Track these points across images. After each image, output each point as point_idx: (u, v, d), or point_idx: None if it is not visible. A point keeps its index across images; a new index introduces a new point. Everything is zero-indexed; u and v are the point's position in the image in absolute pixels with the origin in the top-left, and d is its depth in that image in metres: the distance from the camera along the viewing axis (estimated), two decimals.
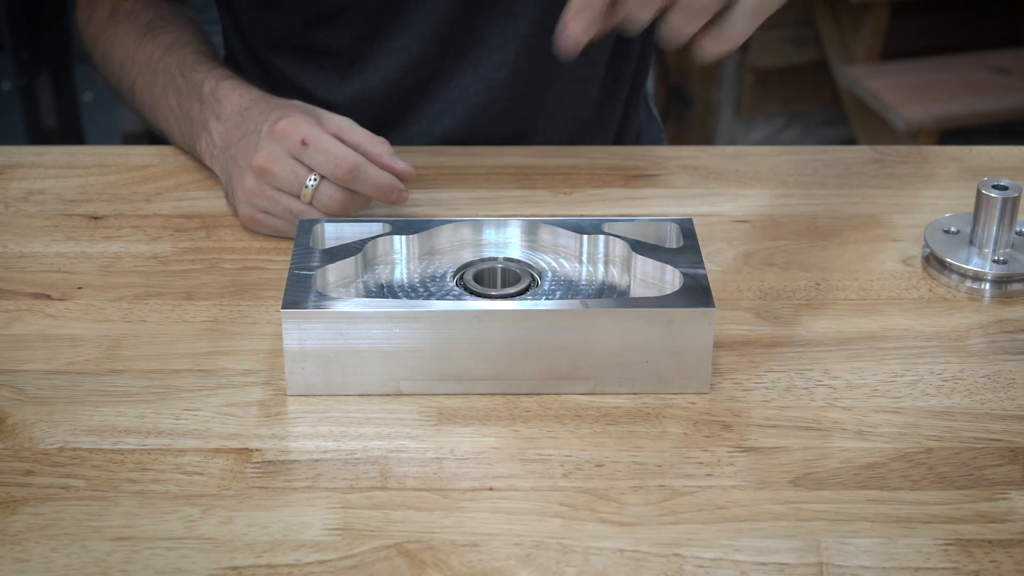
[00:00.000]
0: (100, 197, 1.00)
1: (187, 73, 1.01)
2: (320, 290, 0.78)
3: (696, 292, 0.77)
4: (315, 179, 0.89)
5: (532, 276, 0.83)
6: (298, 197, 0.90)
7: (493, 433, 0.74)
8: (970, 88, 2.66)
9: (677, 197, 1.01)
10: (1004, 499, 0.69)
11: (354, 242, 0.83)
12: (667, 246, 0.83)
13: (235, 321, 0.84)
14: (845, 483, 0.70)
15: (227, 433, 0.74)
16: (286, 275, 0.78)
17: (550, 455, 0.72)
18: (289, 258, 0.81)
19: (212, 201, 0.99)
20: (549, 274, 0.84)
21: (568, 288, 0.83)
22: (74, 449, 0.72)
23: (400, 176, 0.91)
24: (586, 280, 0.84)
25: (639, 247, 0.82)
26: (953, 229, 0.91)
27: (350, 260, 0.81)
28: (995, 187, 0.88)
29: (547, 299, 0.81)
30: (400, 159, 0.91)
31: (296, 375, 0.76)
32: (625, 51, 1.15)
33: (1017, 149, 1.08)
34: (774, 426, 0.75)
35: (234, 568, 0.64)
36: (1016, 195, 0.87)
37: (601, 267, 0.84)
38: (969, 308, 0.86)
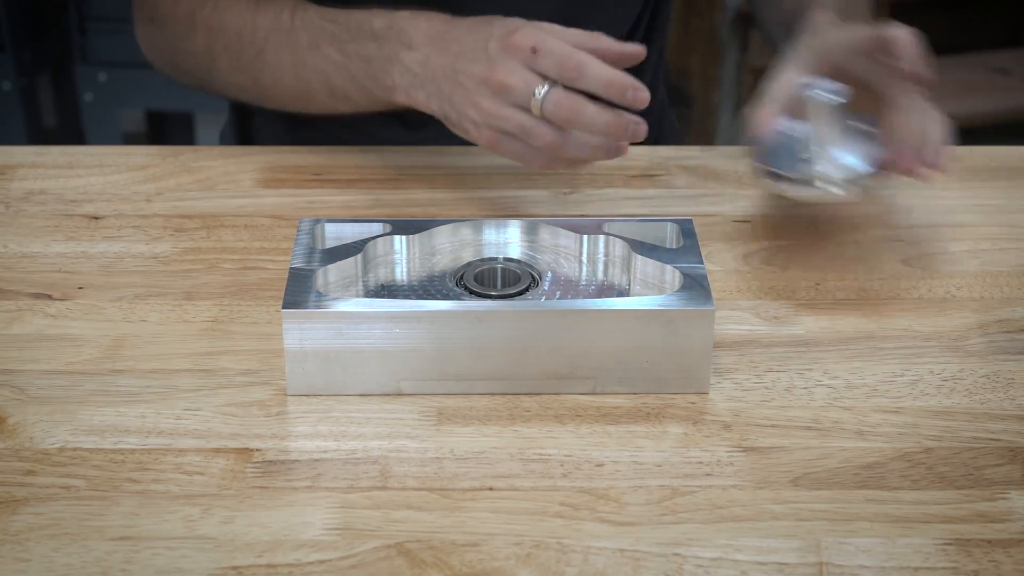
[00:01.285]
0: (100, 197, 1.00)
1: (340, 20, 0.96)
2: (320, 290, 0.78)
3: (696, 292, 0.77)
4: (544, 87, 0.85)
5: (532, 276, 0.83)
6: (530, 111, 0.86)
7: (493, 433, 0.74)
8: (970, 88, 2.66)
9: (677, 197, 1.01)
10: (1003, 499, 0.69)
11: (354, 242, 0.83)
12: (667, 246, 0.83)
13: (235, 321, 0.84)
14: (845, 483, 0.70)
15: (227, 433, 0.74)
16: (286, 275, 0.79)
17: (550, 455, 0.72)
18: (289, 258, 0.81)
19: (212, 201, 0.99)
20: (549, 274, 0.84)
21: (568, 288, 0.83)
22: (75, 449, 0.73)
23: (630, 57, 0.86)
24: (586, 280, 0.84)
25: (639, 247, 0.82)
26: (785, 133, 0.89)
27: (350, 260, 0.81)
28: (818, 91, 0.87)
29: (547, 299, 0.81)
30: (625, 43, 0.87)
31: (296, 375, 0.76)
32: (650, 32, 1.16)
33: (1017, 149, 1.08)
34: (774, 426, 0.75)
35: (234, 568, 0.64)
36: (843, 100, 0.86)
37: (601, 267, 0.84)
38: (968, 308, 0.87)
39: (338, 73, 0.96)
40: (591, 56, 0.85)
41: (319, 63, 0.97)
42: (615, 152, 0.88)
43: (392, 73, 0.93)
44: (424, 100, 0.92)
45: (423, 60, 0.91)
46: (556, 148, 0.87)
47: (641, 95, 0.84)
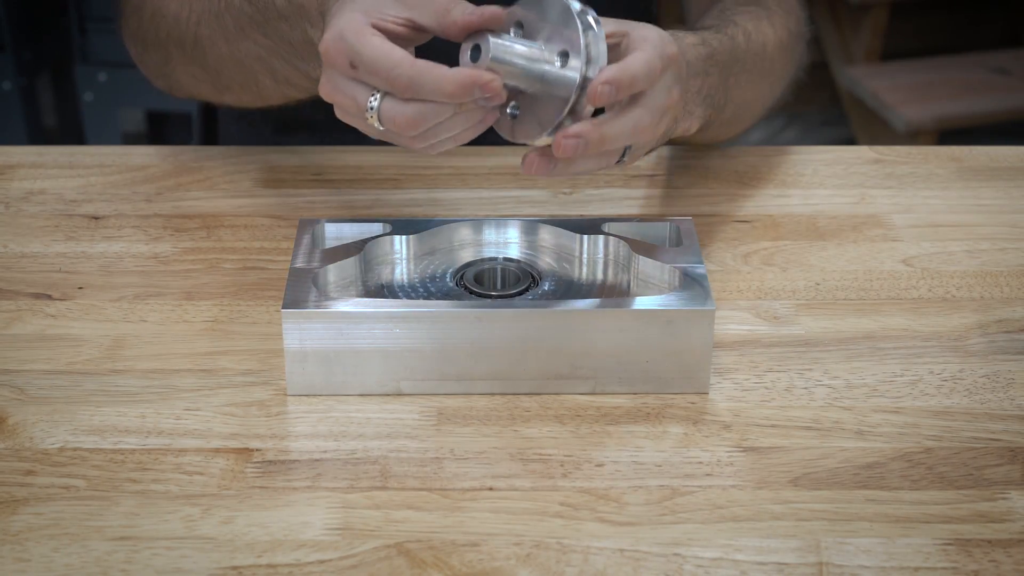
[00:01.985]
0: (100, 197, 1.00)
1: (253, 0, 0.88)
2: (320, 290, 0.78)
3: (696, 292, 0.77)
4: (374, 101, 0.74)
5: (532, 276, 0.83)
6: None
7: (493, 433, 0.74)
8: (970, 88, 2.66)
9: (677, 197, 1.01)
10: (1003, 499, 0.69)
11: (354, 242, 0.83)
12: (667, 246, 0.83)
13: (235, 321, 0.84)
14: (845, 483, 0.70)
15: (227, 433, 0.74)
16: (286, 275, 0.78)
17: (550, 455, 0.72)
18: (289, 258, 0.81)
19: (212, 201, 0.99)
20: (549, 274, 0.84)
21: (568, 288, 0.83)
22: (75, 449, 0.73)
23: (483, 25, 0.73)
24: (586, 280, 0.84)
25: (639, 247, 0.82)
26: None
27: (350, 260, 0.81)
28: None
29: (547, 299, 0.81)
30: (477, 10, 0.73)
31: (296, 375, 0.76)
32: None
33: (1017, 149, 1.08)
34: (774, 426, 0.75)
35: (234, 568, 0.64)
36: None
37: (601, 267, 0.84)
38: (968, 308, 0.87)
39: (272, 57, 0.89)
40: (423, 65, 0.72)
41: (251, 49, 0.90)
42: (481, 127, 0.76)
43: (314, 54, 0.83)
44: None
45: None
46: (421, 149, 0.77)
47: (494, 85, 0.71)
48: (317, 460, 0.72)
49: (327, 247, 0.83)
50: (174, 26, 0.97)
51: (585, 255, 0.84)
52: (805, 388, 0.78)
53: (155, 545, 0.66)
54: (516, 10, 0.75)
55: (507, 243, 0.85)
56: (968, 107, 2.61)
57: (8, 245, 0.93)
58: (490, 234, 0.85)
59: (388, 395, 0.77)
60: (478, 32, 0.73)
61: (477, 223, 0.85)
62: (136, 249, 0.93)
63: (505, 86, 0.72)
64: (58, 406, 0.76)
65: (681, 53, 0.80)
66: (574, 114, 0.72)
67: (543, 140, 0.74)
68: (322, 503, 0.69)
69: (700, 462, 0.72)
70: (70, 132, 2.55)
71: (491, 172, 1.04)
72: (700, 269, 0.79)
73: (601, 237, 0.83)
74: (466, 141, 0.76)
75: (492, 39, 0.72)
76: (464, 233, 0.85)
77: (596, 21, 0.72)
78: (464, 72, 0.72)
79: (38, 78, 2.48)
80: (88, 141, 2.45)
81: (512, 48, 0.73)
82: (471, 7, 0.74)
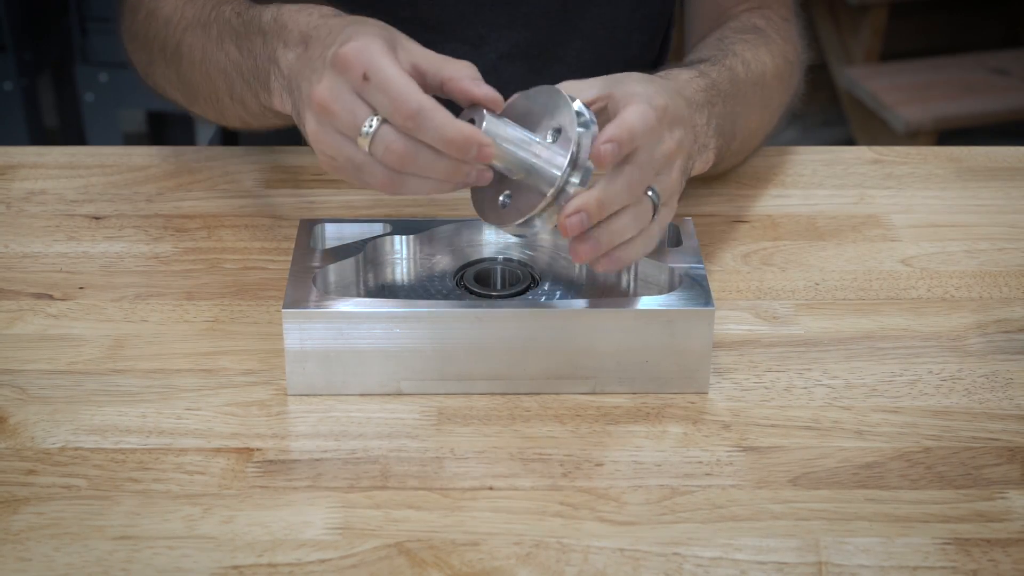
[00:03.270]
0: (101, 197, 1.00)
1: (243, 13, 0.87)
2: (321, 290, 0.78)
3: (696, 292, 0.77)
4: (372, 123, 0.71)
5: (532, 276, 0.83)
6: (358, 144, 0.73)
7: (493, 433, 0.74)
8: (969, 88, 2.66)
9: None
10: (1002, 498, 0.69)
11: (354, 242, 0.83)
12: (667, 246, 0.84)
13: (236, 321, 0.84)
14: (844, 482, 0.71)
15: (228, 433, 0.74)
16: (287, 275, 0.79)
17: (550, 455, 0.73)
18: (290, 258, 0.81)
19: (213, 201, 0.99)
20: (549, 274, 0.84)
21: (568, 288, 0.83)
22: (76, 448, 0.73)
23: (484, 102, 0.73)
24: (586, 280, 0.84)
25: None
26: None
27: (350, 260, 0.81)
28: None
29: (547, 299, 0.81)
30: (485, 84, 0.73)
31: (297, 375, 0.77)
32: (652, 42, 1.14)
33: (1016, 149, 1.08)
34: (773, 426, 0.75)
35: (235, 567, 0.65)
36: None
37: None
38: (967, 308, 0.87)
39: (235, 71, 0.88)
40: (435, 106, 0.71)
41: (221, 60, 0.89)
42: (460, 187, 0.75)
43: (271, 74, 0.83)
44: (290, 109, 0.81)
45: (291, 62, 0.80)
46: (390, 187, 0.74)
47: (487, 151, 0.71)
48: (317, 460, 0.72)
49: (327, 247, 0.83)
50: (162, 28, 0.97)
51: None
52: (805, 388, 0.78)
53: (156, 545, 0.66)
54: (519, 100, 0.75)
55: (507, 243, 0.85)
56: (968, 107, 2.61)
57: (9, 245, 0.93)
58: (490, 234, 0.85)
59: (388, 395, 0.77)
60: (475, 107, 0.73)
61: (477, 223, 0.85)
62: (137, 249, 0.93)
63: (492, 166, 0.73)
64: (59, 406, 0.76)
65: (678, 91, 0.79)
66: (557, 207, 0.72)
67: (514, 229, 0.74)
68: (322, 503, 0.69)
69: (700, 462, 0.72)
70: (71, 132, 2.55)
71: None
72: (700, 269, 0.79)
73: None
74: (428, 194, 0.75)
75: (488, 115, 0.72)
76: (464, 233, 0.85)
77: (593, 122, 0.72)
78: (468, 127, 0.71)
79: (39, 78, 2.48)
80: (89, 141, 2.45)
81: (505, 129, 0.73)
82: (478, 76, 0.74)
